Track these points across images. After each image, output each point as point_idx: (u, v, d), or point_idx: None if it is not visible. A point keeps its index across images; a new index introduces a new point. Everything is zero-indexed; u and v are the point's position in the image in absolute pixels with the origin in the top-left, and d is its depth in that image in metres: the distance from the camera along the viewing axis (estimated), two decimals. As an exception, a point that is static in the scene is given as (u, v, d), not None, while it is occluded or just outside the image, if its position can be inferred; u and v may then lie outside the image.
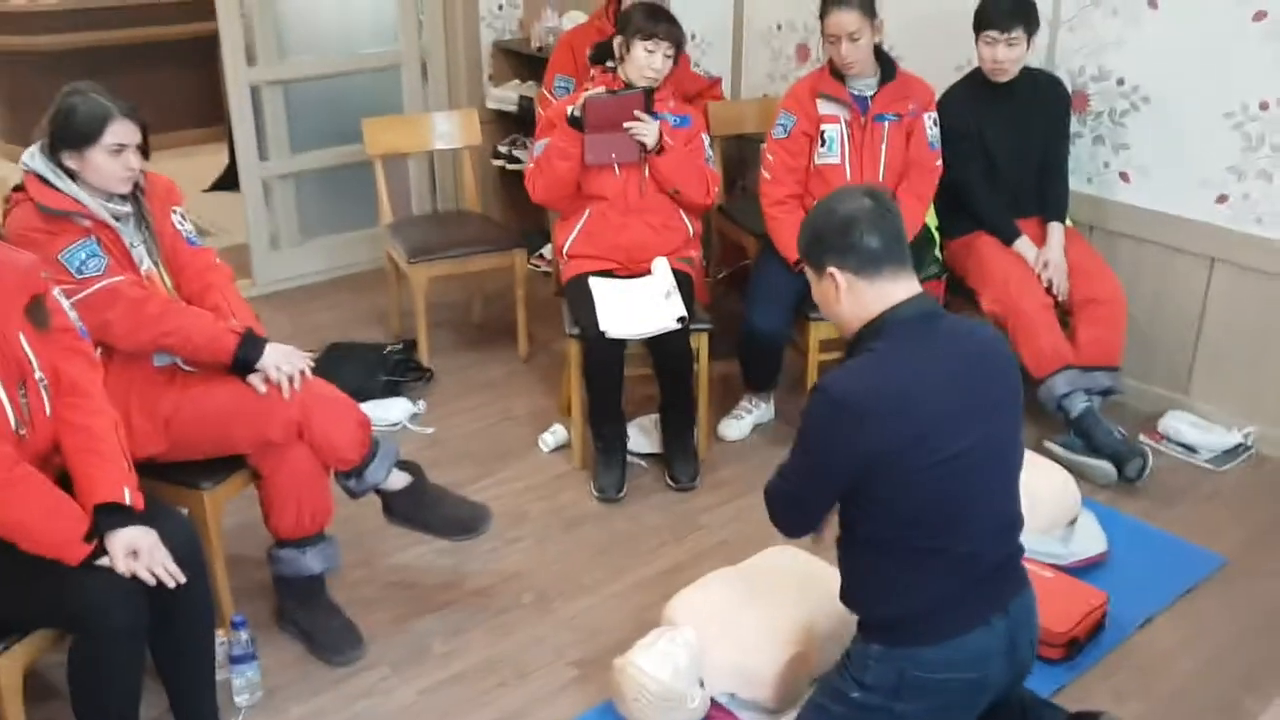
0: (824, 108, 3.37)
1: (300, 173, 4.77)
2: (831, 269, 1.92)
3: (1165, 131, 3.49)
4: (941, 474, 1.85)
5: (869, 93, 3.36)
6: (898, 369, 1.87)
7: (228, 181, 5.70)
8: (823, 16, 3.30)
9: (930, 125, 3.40)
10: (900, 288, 1.91)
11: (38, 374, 2.12)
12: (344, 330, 4.28)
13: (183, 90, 6.74)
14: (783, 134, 3.41)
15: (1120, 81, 3.55)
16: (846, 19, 3.24)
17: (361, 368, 3.74)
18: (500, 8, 4.92)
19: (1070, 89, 3.58)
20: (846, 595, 2.05)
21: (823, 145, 3.38)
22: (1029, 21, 3.33)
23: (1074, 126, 3.61)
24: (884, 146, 3.37)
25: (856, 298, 1.91)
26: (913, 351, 1.88)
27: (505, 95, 4.84)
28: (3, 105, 6.66)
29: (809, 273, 2.00)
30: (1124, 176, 3.61)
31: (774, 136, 3.44)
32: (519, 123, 4.89)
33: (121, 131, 2.40)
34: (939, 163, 3.42)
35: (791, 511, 2.07)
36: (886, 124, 3.37)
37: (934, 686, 1.97)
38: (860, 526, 1.97)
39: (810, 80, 3.44)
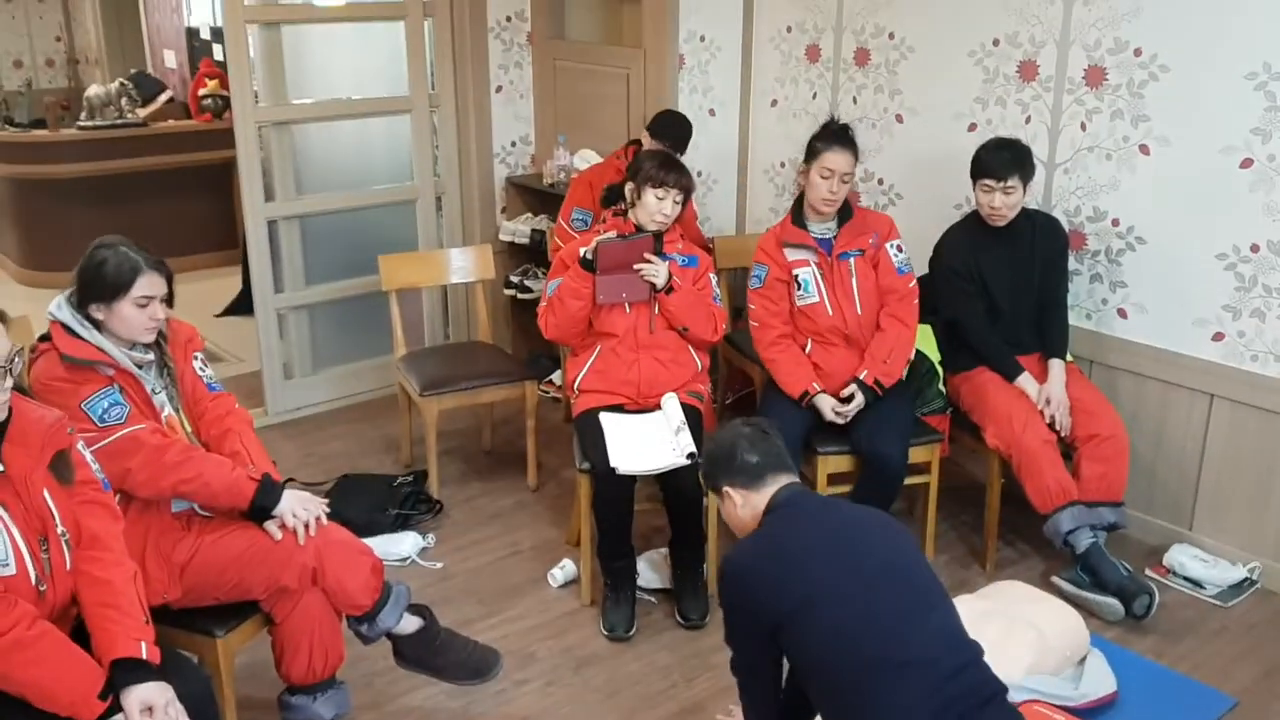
0: (791, 255, 3.51)
1: (314, 304, 4.83)
2: (726, 488, 2.30)
3: (1161, 271, 3.57)
4: (849, 611, 2.04)
5: (830, 235, 3.49)
6: (781, 535, 2.19)
7: (241, 306, 5.80)
8: (818, 153, 3.42)
9: (895, 253, 3.51)
10: (780, 485, 2.26)
11: (59, 528, 2.16)
12: (354, 459, 4.32)
13: (197, 216, 6.90)
14: (759, 284, 3.55)
15: (1115, 222, 3.65)
16: (844, 160, 3.40)
17: (372, 501, 3.77)
18: (513, 145, 5.08)
19: (1067, 228, 3.68)
20: None
21: (799, 288, 3.51)
22: (1024, 170, 3.44)
23: (1072, 264, 3.69)
24: (854, 280, 3.49)
25: (750, 506, 2.28)
26: (793, 518, 2.22)
27: (518, 228, 4.96)
28: (21, 232, 6.80)
29: (715, 497, 2.36)
30: (1122, 313, 3.69)
31: (752, 287, 3.58)
32: (531, 253, 5.01)
33: (149, 284, 2.49)
34: (912, 285, 3.53)
35: (740, 678, 2.29)
36: (852, 260, 3.49)
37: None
38: (811, 688, 2.12)
39: (775, 232, 3.58)
